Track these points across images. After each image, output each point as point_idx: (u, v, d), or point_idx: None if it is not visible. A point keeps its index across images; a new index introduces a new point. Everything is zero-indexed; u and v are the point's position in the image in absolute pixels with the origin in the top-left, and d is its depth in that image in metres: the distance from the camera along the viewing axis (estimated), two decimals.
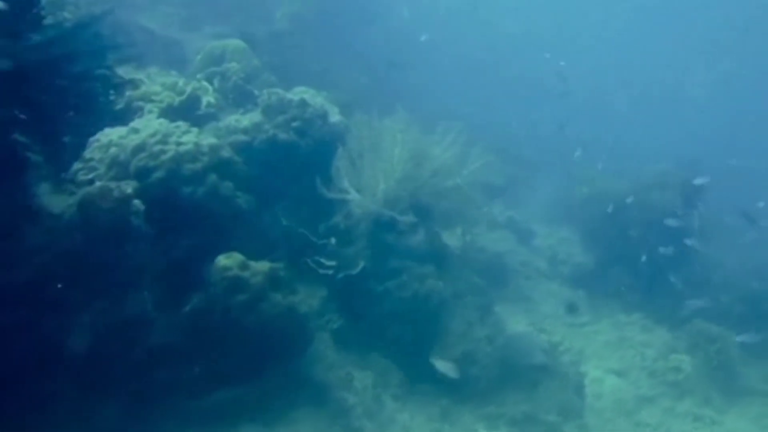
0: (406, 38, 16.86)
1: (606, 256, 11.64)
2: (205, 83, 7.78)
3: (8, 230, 4.53)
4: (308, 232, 7.19)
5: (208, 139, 6.31)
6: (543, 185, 15.16)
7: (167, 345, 5.57)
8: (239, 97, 7.87)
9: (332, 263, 7.19)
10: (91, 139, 6.03)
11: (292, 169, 7.28)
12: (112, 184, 4.76)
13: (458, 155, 7.97)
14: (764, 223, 10.89)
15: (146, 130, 5.98)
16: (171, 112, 6.96)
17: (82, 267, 4.76)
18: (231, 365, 5.86)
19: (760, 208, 11.79)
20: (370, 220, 7.42)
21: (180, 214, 5.86)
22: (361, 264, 7.28)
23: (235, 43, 8.65)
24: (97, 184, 5.01)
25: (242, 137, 7.12)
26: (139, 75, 7.57)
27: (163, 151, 5.84)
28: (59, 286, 4.55)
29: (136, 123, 6.18)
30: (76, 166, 5.84)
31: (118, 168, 5.79)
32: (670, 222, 10.40)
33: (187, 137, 6.09)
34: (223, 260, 5.78)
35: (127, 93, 6.90)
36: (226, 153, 6.46)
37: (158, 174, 5.75)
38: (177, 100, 7.10)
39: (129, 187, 4.89)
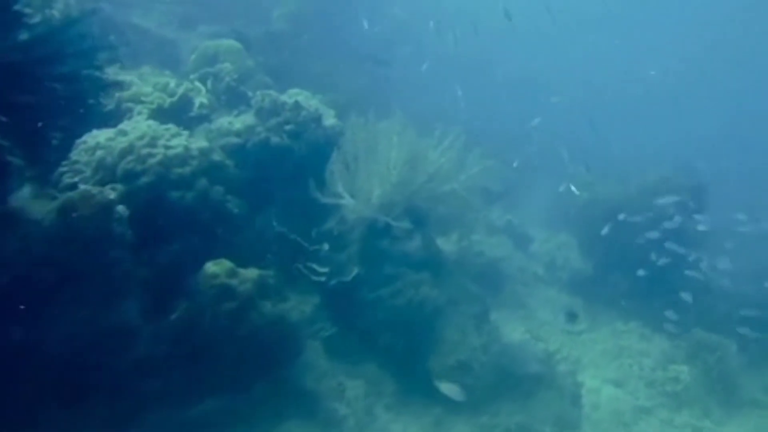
0: (405, 39, 16.74)
1: (604, 262, 11.48)
2: (197, 84, 7.63)
3: None
4: (301, 238, 7.04)
5: (198, 143, 6.16)
6: (542, 189, 15.01)
7: (153, 354, 5.42)
8: (232, 99, 7.72)
9: (325, 269, 7.06)
10: (78, 141, 5.88)
11: (285, 173, 7.14)
12: (94, 189, 4.60)
13: (455, 159, 7.81)
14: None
15: (134, 132, 5.83)
16: (162, 114, 6.82)
17: (62, 275, 4.59)
18: (219, 375, 5.71)
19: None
20: (365, 226, 7.27)
21: (168, 219, 5.71)
22: (355, 270, 7.15)
23: (229, 43, 8.49)
24: (80, 189, 4.84)
25: (234, 140, 6.97)
26: (131, 75, 7.42)
27: (151, 155, 5.68)
28: (37, 294, 4.38)
29: (124, 125, 6.02)
30: (61, 169, 5.69)
31: (105, 171, 5.64)
32: (670, 227, 10.24)
33: (177, 140, 5.93)
34: (211, 267, 5.63)
35: (117, 94, 6.76)
36: (216, 156, 6.31)
37: (146, 178, 5.59)
38: (168, 101, 6.95)
39: (112, 192, 4.73)
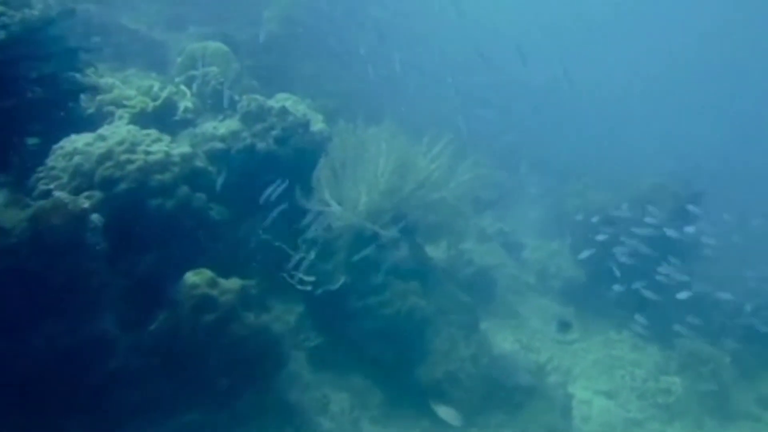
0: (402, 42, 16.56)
1: (597, 271, 11.34)
2: (183, 88, 7.46)
3: None
4: (286, 246, 6.88)
5: (180, 148, 6.00)
6: (534, 196, 14.89)
7: (131, 366, 5.26)
8: (218, 103, 7.55)
9: (311, 278, 6.88)
10: (55, 146, 5.71)
11: (270, 180, 6.97)
12: (67, 198, 4.44)
13: (446, 166, 7.67)
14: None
15: (113, 137, 5.66)
16: (144, 118, 6.65)
17: (33, 287, 4.43)
18: (199, 388, 5.55)
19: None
20: (352, 234, 7.12)
21: (147, 227, 5.55)
22: (341, 279, 6.99)
23: (216, 45, 8.33)
24: (53, 196, 4.68)
25: (219, 145, 6.81)
26: (114, 78, 7.26)
27: (130, 161, 5.52)
28: (7, 307, 4.21)
29: (103, 130, 5.86)
30: (38, 175, 5.53)
31: (82, 178, 5.47)
32: (666, 234, 10.13)
33: (157, 146, 5.77)
34: (191, 277, 5.47)
35: (98, 97, 6.59)
36: (199, 163, 6.15)
37: (124, 185, 5.43)
38: (151, 105, 6.79)
39: (86, 201, 4.57)
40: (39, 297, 4.58)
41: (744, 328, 10.38)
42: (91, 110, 6.46)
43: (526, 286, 11.30)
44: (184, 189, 5.78)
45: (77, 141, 5.67)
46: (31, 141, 5.80)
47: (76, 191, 5.35)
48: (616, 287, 9.35)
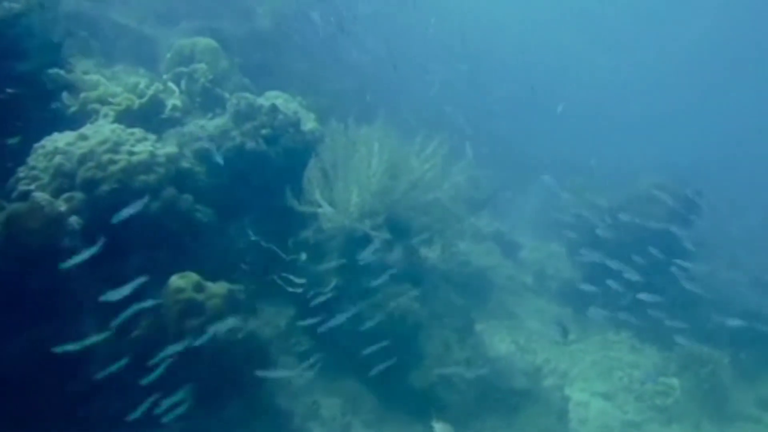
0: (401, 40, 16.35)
1: (595, 271, 11.18)
2: (171, 85, 7.27)
3: None
4: (276, 248, 6.72)
5: (165, 148, 5.83)
6: (532, 196, 14.72)
7: (111, 374, 5.10)
8: (207, 101, 7.37)
9: (302, 281, 6.73)
10: (36, 145, 5.53)
11: (260, 180, 6.82)
12: (43, 201, 4.26)
13: (440, 167, 7.50)
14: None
15: (96, 136, 5.49)
16: (130, 117, 6.46)
17: (9, 292, 4.26)
18: (185, 395, 5.38)
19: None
20: (343, 235, 6.95)
21: (130, 230, 5.36)
22: (333, 282, 6.82)
23: (206, 41, 8.13)
24: (31, 198, 4.50)
25: (207, 144, 6.63)
26: (99, 74, 7.06)
27: (113, 161, 5.35)
28: None
29: (86, 129, 5.68)
30: (18, 175, 5.35)
31: (63, 178, 5.30)
32: (663, 234, 9.98)
33: (142, 146, 5.60)
34: (176, 281, 5.31)
35: (82, 94, 6.40)
36: (185, 164, 5.99)
37: (106, 186, 5.26)
38: (137, 103, 6.60)
39: (63, 204, 4.40)
40: (15, 303, 4.42)
41: (743, 329, 10.25)
42: (74, 108, 6.28)
43: (523, 286, 11.15)
44: (169, 190, 5.62)
45: (59, 140, 5.49)
46: (11, 140, 5.63)
47: (57, 192, 5.19)
48: (611, 283, 9.18)
